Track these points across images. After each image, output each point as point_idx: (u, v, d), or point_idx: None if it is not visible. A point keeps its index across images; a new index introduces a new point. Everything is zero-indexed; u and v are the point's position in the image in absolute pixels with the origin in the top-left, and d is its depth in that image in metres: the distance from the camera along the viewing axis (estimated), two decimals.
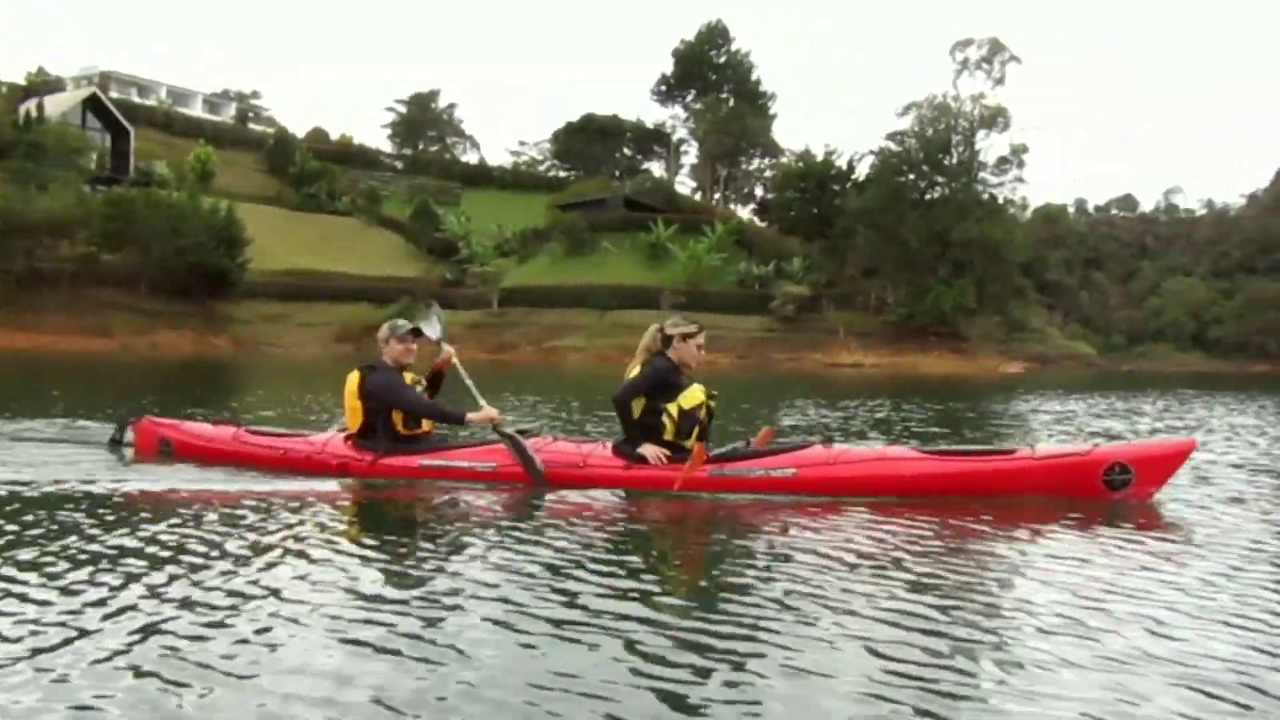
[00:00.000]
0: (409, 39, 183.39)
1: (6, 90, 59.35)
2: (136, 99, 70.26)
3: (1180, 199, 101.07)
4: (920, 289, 54.57)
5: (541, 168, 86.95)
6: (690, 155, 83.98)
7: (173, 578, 3.45)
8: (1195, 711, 2.41)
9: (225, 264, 48.38)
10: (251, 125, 77.79)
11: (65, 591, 3.24)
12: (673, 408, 5.54)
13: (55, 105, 55.61)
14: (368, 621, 2.98)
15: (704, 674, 2.58)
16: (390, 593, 3.35)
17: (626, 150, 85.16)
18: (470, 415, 5.88)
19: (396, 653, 2.71)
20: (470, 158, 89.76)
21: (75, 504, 4.85)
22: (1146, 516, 5.08)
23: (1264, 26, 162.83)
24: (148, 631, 2.84)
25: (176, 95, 76.74)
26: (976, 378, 36.88)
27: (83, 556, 3.74)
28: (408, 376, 6.02)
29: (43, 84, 62.82)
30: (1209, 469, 7.09)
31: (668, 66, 79.77)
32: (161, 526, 4.34)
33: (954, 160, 58.20)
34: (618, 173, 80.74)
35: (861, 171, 62.58)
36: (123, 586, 3.32)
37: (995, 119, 58.40)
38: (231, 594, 3.26)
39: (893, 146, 60.02)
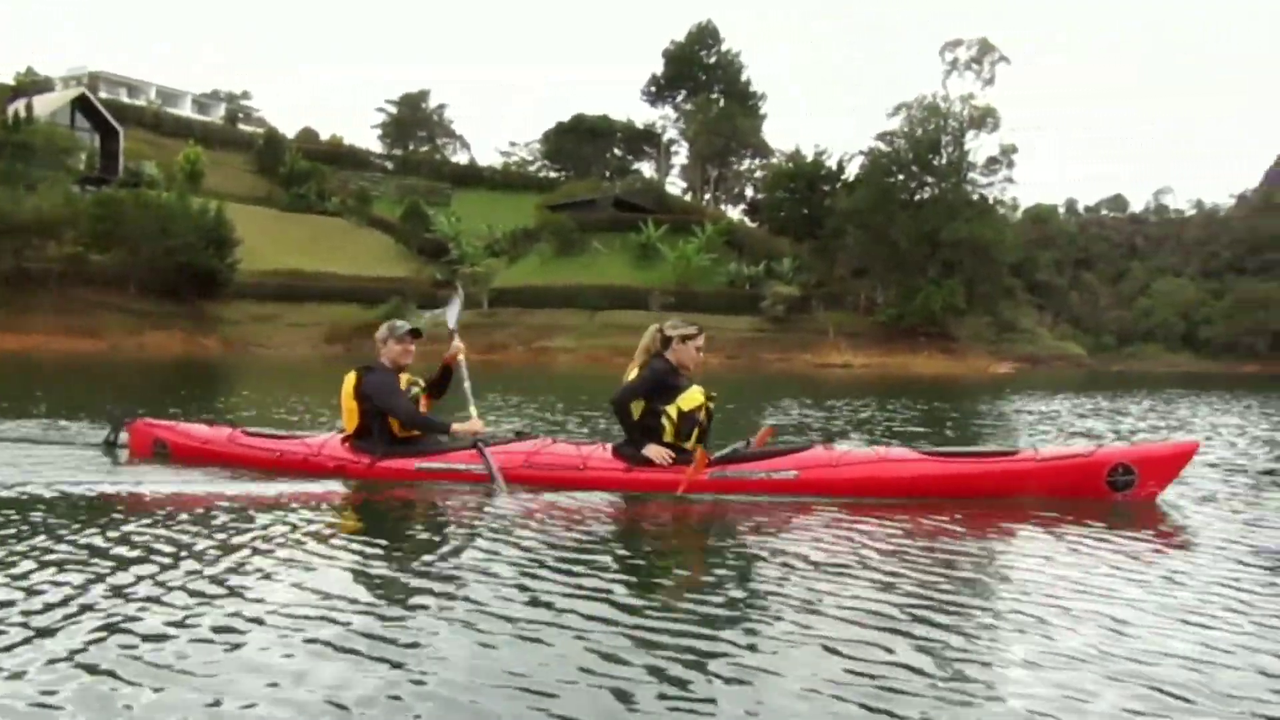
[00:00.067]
0: (398, 40, 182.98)
1: None
2: (125, 99, 69.90)
3: (1170, 199, 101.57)
4: (910, 289, 54.73)
5: (532, 168, 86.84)
6: (680, 156, 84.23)
7: (139, 578, 3.45)
8: (1195, 712, 2.43)
9: (215, 264, 48.19)
10: (241, 125, 77.55)
11: (30, 592, 3.24)
12: (671, 410, 5.53)
13: (44, 105, 55.31)
14: (331, 621, 2.99)
15: (658, 673, 2.59)
16: (360, 594, 3.35)
17: (617, 151, 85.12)
18: (456, 426, 5.85)
19: (355, 652, 2.72)
20: (460, 158, 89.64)
21: (53, 505, 4.83)
22: (1147, 517, 5.10)
23: (1263, 26, 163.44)
24: (109, 631, 2.85)
25: (166, 95, 76.43)
26: (966, 378, 36.96)
27: (51, 557, 3.74)
28: (404, 378, 6.00)
29: (31, 84, 62.47)
30: (1193, 469, 7.12)
31: (658, 67, 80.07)
32: (137, 527, 4.34)
33: (943, 161, 58.42)
34: (608, 173, 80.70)
35: (851, 172, 62.90)
36: (88, 586, 3.32)
37: (985, 119, 58.63)
38: (196, 594, 3.27)
39: (882, 147, 60.24)
